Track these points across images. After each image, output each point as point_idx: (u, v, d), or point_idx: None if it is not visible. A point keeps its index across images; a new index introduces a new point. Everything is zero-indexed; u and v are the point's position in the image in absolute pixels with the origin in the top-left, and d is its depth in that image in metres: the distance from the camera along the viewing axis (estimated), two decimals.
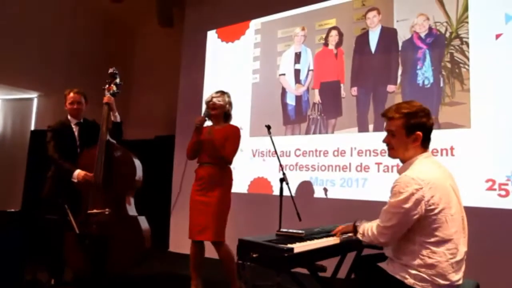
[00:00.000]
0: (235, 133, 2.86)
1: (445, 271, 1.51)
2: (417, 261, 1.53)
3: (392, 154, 1.72)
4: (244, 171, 4.12)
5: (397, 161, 3.31)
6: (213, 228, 2.68)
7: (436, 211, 1.51)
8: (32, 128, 5.19)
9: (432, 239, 1.52)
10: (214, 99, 2.84)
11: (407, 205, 1.50)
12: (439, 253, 1.51)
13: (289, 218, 2.90)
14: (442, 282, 1.51)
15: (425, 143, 1.66)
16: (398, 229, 1.55)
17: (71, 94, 2.97)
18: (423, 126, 1.62)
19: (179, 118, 4.93)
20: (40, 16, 4.95)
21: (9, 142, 5.37)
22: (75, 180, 2.77)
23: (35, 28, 4.90)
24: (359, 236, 1.74)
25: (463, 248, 1.59)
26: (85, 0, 5.31)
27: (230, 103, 2.92)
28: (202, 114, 2.84)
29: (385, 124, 1.73)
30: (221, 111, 2.86)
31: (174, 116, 5.03)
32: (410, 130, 1.62)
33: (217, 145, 2.74)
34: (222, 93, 2.91)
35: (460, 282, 1.57)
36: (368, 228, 1.67)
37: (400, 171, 1.69)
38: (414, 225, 1.54)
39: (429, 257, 1.51)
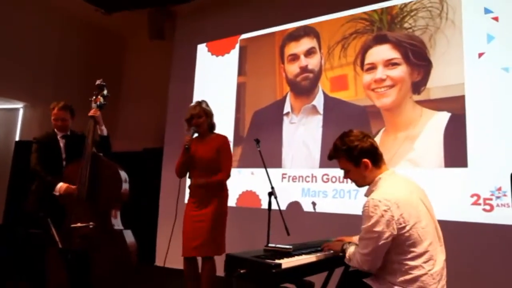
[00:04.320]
0: (226, 144, 2.80)
1: (426, 284, 1.54)
2: (399, 278, 1.56)
3: (358, 185, 1.79)
4: (232, 184, 4.05)
5: None
6: (211, 243, 2.62)
7: (407, 228, 1.55)
8: (17, 139, 5.09)
9: (409, 255, 1.55)
10: (194, 116, 2.75)
11: (379, 228, 1.54)
12: (418, 267, 1.55)
13: (278, 232, 2.88)
14: None
15: (378, 163, 1.71)
16: (376, 254, 1.58)
17: (55, 110, 2.90)
18: (365, 152, 1.69)
19: (168, 131, 4.91)
20: (29, 25, 4.90)
21: None
22: (57, 194, 2.71)
23: (23, 37, 4.84)
24: (346, 261, 1.74)
25: (441, 257, 1.62)
26: (75, 11, 5.28)
27: (209, 112, 2.82)
28: (190, 133, 2.75)
29: None
30: (205, 125, 2.80)
31: (163, 128, 5.00)
32: (356, 161, 1.70)
33: (209, 162, 2.71)
34: (199, 104, 2.80)
35: None
36: (354, 253, 1.68)
37: (366, 194, 1.73)
38: (389, 246, 1.57)
39: (409, 273, 1.55)
